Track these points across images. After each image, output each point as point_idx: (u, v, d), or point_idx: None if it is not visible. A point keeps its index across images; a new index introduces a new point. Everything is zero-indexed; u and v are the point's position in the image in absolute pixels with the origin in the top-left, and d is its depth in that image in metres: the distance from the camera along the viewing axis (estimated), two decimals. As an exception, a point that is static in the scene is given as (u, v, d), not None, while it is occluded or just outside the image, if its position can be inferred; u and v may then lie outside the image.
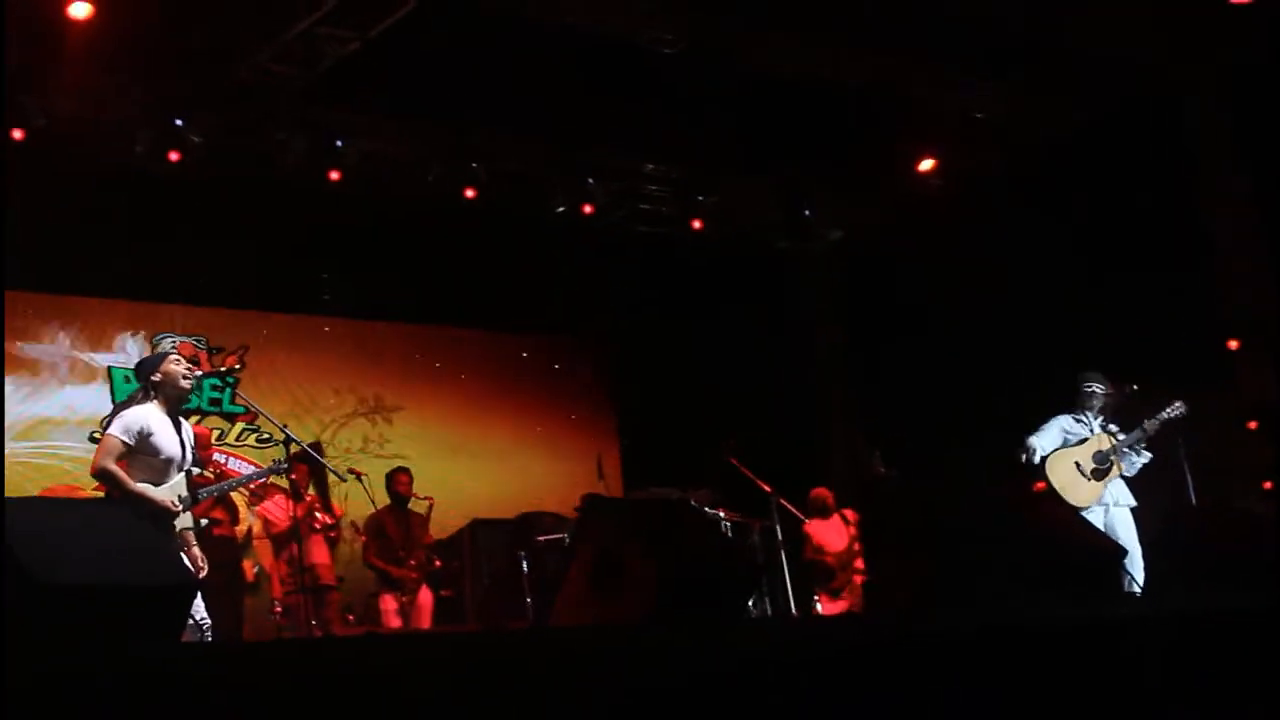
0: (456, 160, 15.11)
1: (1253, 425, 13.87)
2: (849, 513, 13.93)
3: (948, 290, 15.22)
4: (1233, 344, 14.19)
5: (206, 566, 8.26)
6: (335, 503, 12.85)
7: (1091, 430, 10.74)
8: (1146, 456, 10.73)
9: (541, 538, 13.08)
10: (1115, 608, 7.17)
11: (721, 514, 12.64)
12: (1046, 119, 15.19)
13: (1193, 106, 14.59)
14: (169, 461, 8.04)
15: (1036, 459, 10.57)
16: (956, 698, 4.77)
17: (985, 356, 14.55)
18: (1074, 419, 10.81)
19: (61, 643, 4.59)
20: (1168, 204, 14.22)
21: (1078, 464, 10.58)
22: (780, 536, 12.77)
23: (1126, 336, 12.82)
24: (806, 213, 17.68)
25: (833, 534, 13.66)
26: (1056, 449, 10.67)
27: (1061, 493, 10.42)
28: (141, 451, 7.95)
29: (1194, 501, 10.80)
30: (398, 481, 12.79)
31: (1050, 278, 13.99)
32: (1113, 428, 10.74)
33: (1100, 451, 10.58)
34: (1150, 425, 10.66)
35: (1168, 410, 10.65)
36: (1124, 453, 10.65)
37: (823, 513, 13.76)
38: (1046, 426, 10.79)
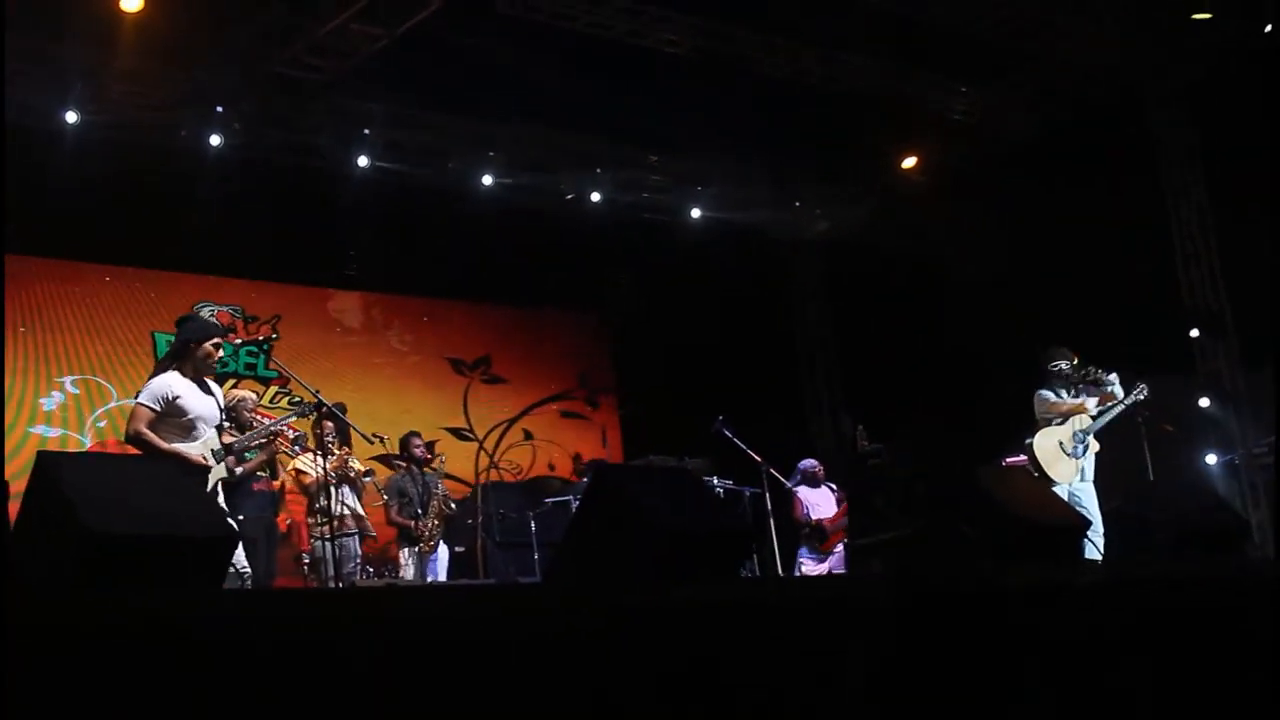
0: (475, 148, 15.15)
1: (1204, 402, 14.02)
2: (834, 485, 13.93)
3: (927, 277, 15.26)
4: (1193, 333, 14.29)
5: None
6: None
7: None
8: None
9: (549, 499, 13.12)
10: (1078, 575, 7.19)
11: (715, 481, 12.66)
12: (1021, 121, 15.24)
13: (1158, 121, 14.68)
14: (198, 420, 8.06)
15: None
16: (931, 655, 4.80)
17: (961, 340, 14.61)
18: (1053, 395, 10.84)
19: (114, 587, 4.61)
20: (1137, 206, 14.29)
21: (1060, 443, 10.62)
22: (769, 503, 12.79)
23: (1097, 323, 12.86)
24: (796, 203, 17.74)
25: (822, 500, 13.65)
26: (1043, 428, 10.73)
27: (1046, 468, 10.46)
28: (170, 415, 7.96)
29: (1151, 477, 10.84)
30: (412, 444, 12.80)
31: (1023, 268, 14.02)
32: (1092, 403, 10.78)
33: (1079, 431, 10.62)
34: (1117, 404, 10.72)
35: (1133, 394, 10.70)
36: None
37: (811, 482, 13.75)
38: (1042, 408, 10.82)
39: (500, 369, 16.75)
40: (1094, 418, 10.69)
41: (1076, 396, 10.82)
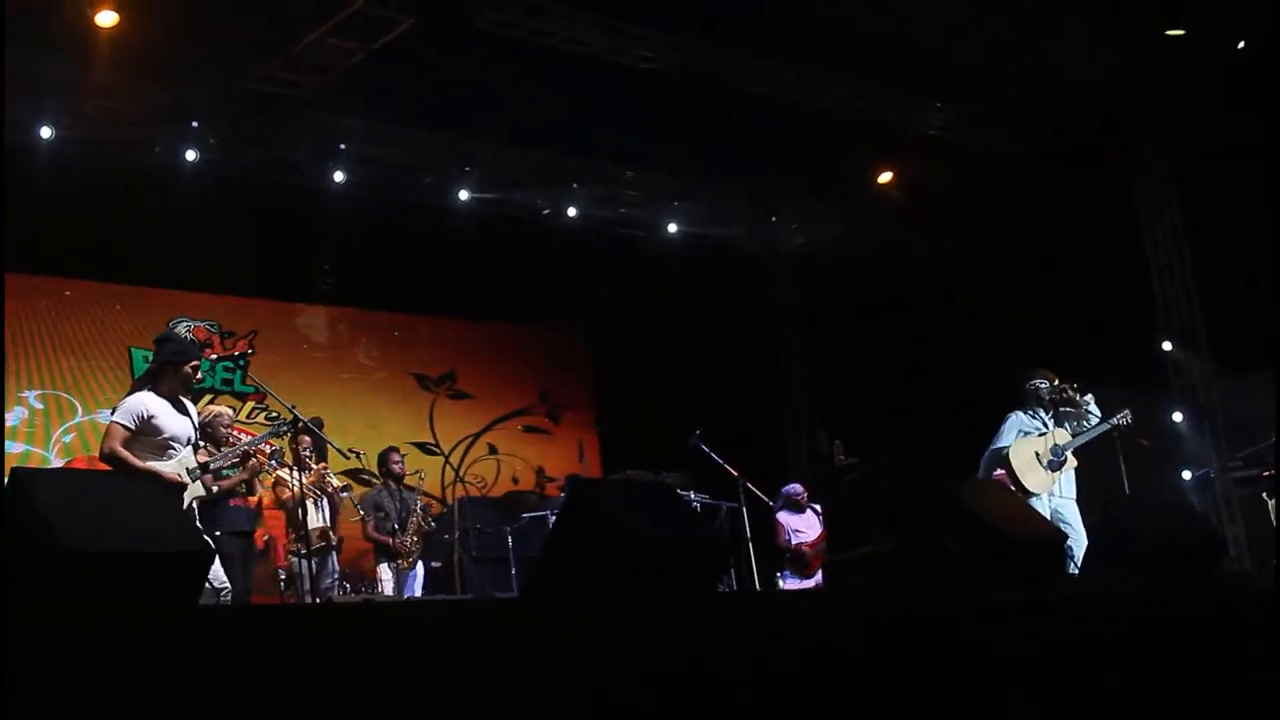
0: (450, 164, 15.12)
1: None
2: (819, 506, 13.88)
3: (904, 292, 15.25)
4: (1165, 345, 14.33)
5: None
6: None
7: (1046, 425, 10.76)
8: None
9: (526, 514, 13.07)
10: (1055, 590, 7.18)
11: (692, 495, 12.62)
12: (998, 137, 15.27)
13: (1135, 135, 14.74)
14: (171, 439, 8.05)
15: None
16: (909, 674, 4.76)
17: (938, 354, 14.62)
18: (1028, 416, 10.82)
19: (88, 605, 4.56)
20: (1114, 220, 14.35)
21: (1037, 454, 10.60)
22: (746, 518, 12.75)
23: (1071, 340, 12.87)
24: (773, 218, 17.75)
25: (805, 526, 13.61)
26: (1017, 439, 10.72)
27: (1020, 477, 10.45)
28: (144, 433, 8.00)
29: (1127, 492, 10.83)
30: (390, 460, 12.75)
31: (1000, 283, 14.00)
32: (1068, 424, 10.76)
33: (1057, 445, 10.61)
34: (1097, 427, 10.71)
35: (1117, 418, 10.68)
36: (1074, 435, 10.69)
37: (795, 507, 13.73)
38: (1004, 429, 10.81)
39: (465, 384, 16.72)
40: (1073, 435, 10.69)
41: (1053, 418, 10.82)
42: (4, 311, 12.13)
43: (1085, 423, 10.72)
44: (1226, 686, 5.40)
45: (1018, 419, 10.82)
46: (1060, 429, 10.74)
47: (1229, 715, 5.32)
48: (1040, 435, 10.69)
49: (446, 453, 16.14)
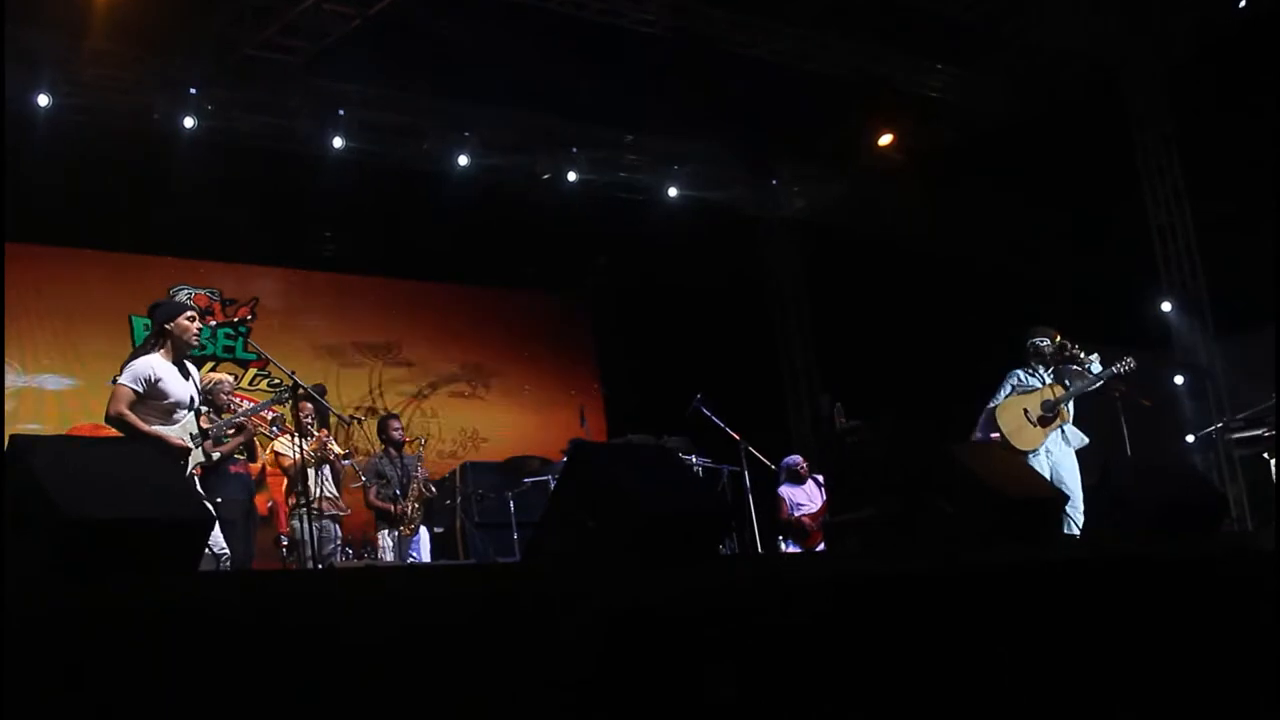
0: (449, 129, 15.09)
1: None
2: (820, 477, 13.90)
3: (904, 255, 15.22)
4: (1165, 305, 14.32)
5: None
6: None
7: (1042, 381, 10.72)
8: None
9: (528, 479, 13.09)
10: (1053, 551, 7.18)
11: (694, 459, 12.64)
12: (998, 99, 15.24)
13: (1133, 95, 14.70)
14: (177, 404, 8.04)
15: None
16: (908, 635, 4.78)
17: (940, 317, 14.61)
18: (1026, 372, 10.80)
19: (87, 572, 4.58)
20: (1113, 181, 14.33)
21: (1025, 411, 10.58)
22: (748, 481, 12.78)
23: (1073, 301, 12.86)
24: (774, 182, 17.73)
25: (806, 498, 13.65)
26: (1009, 396, 10.71)
27: (1009, 437, 10.43)
28: (151, 397, 7.96)
29: (1129, 452, 10.83)
30: (390, 427, 12.77)
31: (1000, 245, 13.99)
32: (1067, 381, 10.72)
33: (1048, 400, 10.57)
34: (1095, 378, 10.65)
35: (1117, 365, 10.63)
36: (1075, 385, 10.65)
37: (796, 479, 13.76)
38: (1001, 386, 10.80)
39: (454, 350, 16.81)
40: (1066, 388, 10.66)
41: (1052, 375, 10.79)
42: (4, 282, 12.12)
43: (1086, 381, 10.69)
44: (1225, 646, 5.41)
45: (1015, 376, 10.81)
46: (1058, 385, 10.71)
47: (1226, 675, 5.34)
48: (1034, 392, 10.68)
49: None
